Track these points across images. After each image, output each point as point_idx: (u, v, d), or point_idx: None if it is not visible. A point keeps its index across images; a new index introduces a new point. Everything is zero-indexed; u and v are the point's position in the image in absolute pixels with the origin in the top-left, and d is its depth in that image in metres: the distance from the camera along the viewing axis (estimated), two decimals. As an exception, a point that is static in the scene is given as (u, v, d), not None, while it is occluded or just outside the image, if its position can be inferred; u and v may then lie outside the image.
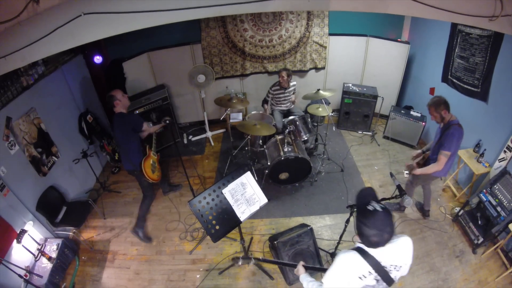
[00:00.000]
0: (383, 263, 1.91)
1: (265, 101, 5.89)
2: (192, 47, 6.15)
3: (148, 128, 4.38)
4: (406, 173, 5.33)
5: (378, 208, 1.87)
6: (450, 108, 3.64)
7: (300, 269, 2.48)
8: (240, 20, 5.94)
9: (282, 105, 5.85)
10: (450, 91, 5.16)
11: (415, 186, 4.35)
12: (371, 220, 1.84)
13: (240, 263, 2.71)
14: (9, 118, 3.86)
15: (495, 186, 3.96)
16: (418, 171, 3.89)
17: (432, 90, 5.74)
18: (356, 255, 1.92)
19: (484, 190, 4.07)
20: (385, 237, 1.85)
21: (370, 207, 1.88)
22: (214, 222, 3.07)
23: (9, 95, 3.92)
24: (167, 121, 4.40)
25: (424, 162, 4.10)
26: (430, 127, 5.89)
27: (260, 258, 2.75)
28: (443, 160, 3.62)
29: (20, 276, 3.53)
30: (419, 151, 4.25)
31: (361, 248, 1.95)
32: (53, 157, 4.65)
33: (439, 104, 3.60)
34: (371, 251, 1.91)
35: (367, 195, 2.05)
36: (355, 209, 3.29)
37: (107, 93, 4.11)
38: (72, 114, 5.25)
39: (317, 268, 2.46)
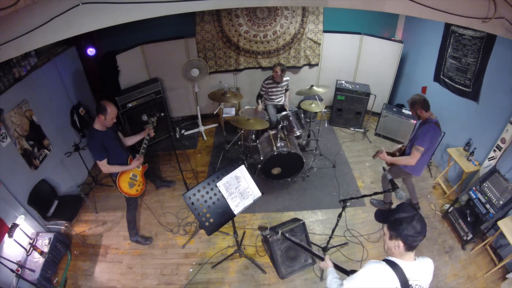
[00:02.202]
0: (410, 281, 1.90)
1: (259, 96, 5.88)
2: (186, 41, 6.12)
3: (105, 166, 3.75)
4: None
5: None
6: (431, 107, 3.70)
7: (329, 263, 2.48)
8: (235, 15, 5.93)
9: (275, 100, 5.85)
10: (442, 90, 5.24)
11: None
12: (401, 210, 1.94)
13: (267, 233, 2.75)
14: (1, 110, 3.80)
15: (484, 184, 4.03)
16: (388, 158, 3.91)
17: (424, 89, 5.80)
18: (386, 268, 1.92)
19: (474, 188, 4.15)
20: (421, 218, 1.91)
21: (392, 207, 2.02)
22: (208, 215, 3.11)
23: (0, 86, 3.85)
24: (152, 127, 4.10)
25: (401, 155, 4.15)
26: (421, 125, 5.96)
27: (287, 235, 2.77)
28: (415, 154, 3.65)
29: (12, 270, 3.50)
30: (400, 146, 4.29)
31: (391, 260, 1.96)
32: (45, 150, 4.60)
33: (414, 104, 3.67)
34: (402, 263, 1.92)
35: (381, 212, 2.15)
36: (347, 204, 3.34)
37: (102, 99, 3.69)
38: (64, 106, 5.19)
39: (340, 268, 2.47)
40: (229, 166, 3.30)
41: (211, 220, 3.11)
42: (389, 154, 4.05)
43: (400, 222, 1.88)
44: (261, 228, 2.84)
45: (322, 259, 2.55)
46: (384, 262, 1.95)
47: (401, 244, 1.89)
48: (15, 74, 4.09)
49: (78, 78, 5.59)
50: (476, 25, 2.96)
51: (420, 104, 3.63)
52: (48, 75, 4.78)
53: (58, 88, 5.04)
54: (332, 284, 2.28)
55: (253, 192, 3.35)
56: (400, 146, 4.28)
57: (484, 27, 2.96)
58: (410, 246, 1.90)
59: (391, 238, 1.94)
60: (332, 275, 2.35)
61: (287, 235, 2.78)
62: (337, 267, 2.45)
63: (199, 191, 3.10)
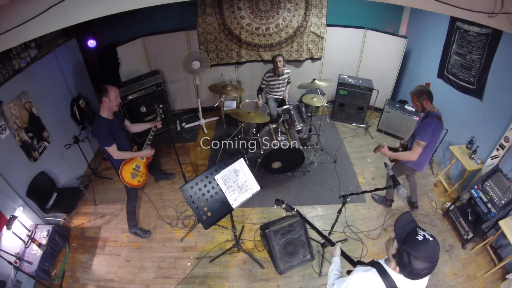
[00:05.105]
0: None
1: (260, 90, 5.82)
2: (188, 33, 6.06)
3: (116, 152, 3.76)
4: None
5: (428, 236, 1.67)
6: (435, 103, 3.62)
7: (337, 251, 2.38)
8: (237, 7, 5.86)
9: (276, 93, 5.80)
10: (445, 87, 5.17)
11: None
12: (423, 252, 1.63)
13: (283, 206, 2.75)
14: (0, 102, 3.78)
15: (486, 183, 3.98)
16: (389, 153, 3.82)
17: (427, 85, 5.71)
18: (375, 277, 1.81)
19: (476, 187, 4.10)
20: (433, 268, 1.67)
21: (419, 237, 1.66)
22: (205, 209, 3.08)
23: (0, 78, 3.83)
24: (157, 121, 4.13)
25: (403, 150, 4.07)
26: (424, 121, 5.91)
27: (302, 214, 2.77)
28: (416, 149, 3.57)
29: (10, 263, 3.49)
30: (402, 141, 4.22)
31: (382, 267, 1.84)
32: (44, 142, 4.58)
33: (422, 94, 3.54)
34: (393, 274, 1.79)
35: (408, 221, 1.79)
36: (347, 200, 3.31)
37: (102, 85, 3.66)
38: (64, 98, 5.16)
39: (348, 258, 2.41)
40: (228, 159, 3.27)
41: (209, 213, 3.08)
42: (390, 149, 3.95)
43: (410, 260, 1.64)
44: (278, 202, 2.80)
45: (333, 244, 2.49)
46: (374, 270, 1.85)
47: (398, 269, 1.76)
48: (14, 66, 4.07)
49: (79, 70, 5.55)
50: (482, 20, 2.91)
51: (427, 94, 3.53)
52: (48, 67, 4.74)
53: (58, 80, 5.00)
54: (331, 274, 2.26)
55: (252, 186, 3.32)
56: (402, 141, 4.22)
57: (490, 22, 2.90)
58: (412, 276, 1.73)
59: (394, 257, 1.75)
60: (335, 265, 2.31)
61: (302, 214, 2.79)
62: (345, 256, 2.39)
63: (197, 184, 3.08)
